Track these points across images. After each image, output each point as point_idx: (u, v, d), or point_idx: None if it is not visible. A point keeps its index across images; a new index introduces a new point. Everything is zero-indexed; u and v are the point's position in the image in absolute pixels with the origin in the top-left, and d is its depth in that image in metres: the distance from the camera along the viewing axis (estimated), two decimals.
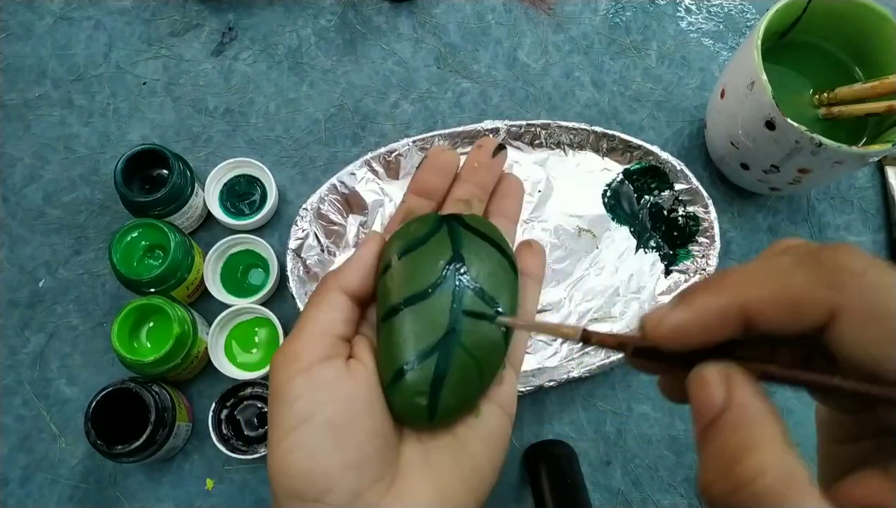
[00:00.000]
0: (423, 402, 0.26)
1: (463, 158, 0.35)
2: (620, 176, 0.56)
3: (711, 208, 0.54)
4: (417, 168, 0.33)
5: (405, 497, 0.26)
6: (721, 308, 0.19)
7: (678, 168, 0.55)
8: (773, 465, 0.17)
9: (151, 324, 0.49)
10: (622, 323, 0.53)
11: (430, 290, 0.27)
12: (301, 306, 0.50)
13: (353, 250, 0.29)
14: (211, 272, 0.52)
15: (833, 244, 0.19)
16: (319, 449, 0.25)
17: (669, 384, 0.23)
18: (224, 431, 0.49)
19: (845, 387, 0.18)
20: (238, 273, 0.53)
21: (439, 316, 0.27)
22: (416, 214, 0.32)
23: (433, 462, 0.27)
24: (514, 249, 0.32)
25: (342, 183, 0.54)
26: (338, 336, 0.28)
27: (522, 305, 0.31)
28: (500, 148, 0.34)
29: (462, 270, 0.28)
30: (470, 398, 0.28)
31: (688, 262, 0.54)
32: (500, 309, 0.28)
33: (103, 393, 0.45)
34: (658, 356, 0.21)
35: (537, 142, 0.56)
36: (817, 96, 0.51)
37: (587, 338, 0.23)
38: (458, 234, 0.29)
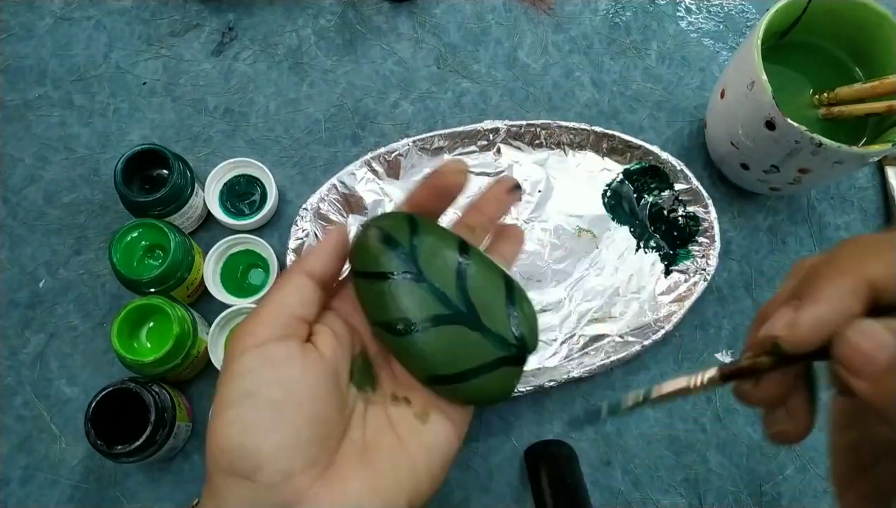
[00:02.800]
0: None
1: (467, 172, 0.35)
2: (620, 176, 0.56)
3: (711, 208, 0.54)
4: (419, 183, 0.33)
5: (335, 485, 0.26)
6: (851, 289, 0.19)
7: (678, 168, 0.55)
8: None
9: (151, 324, 0.49)
10: (622, 322, 0.53)
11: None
12: None
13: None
14: (211, 272, 0.52)
15: None
16: (257, 427, 0.25)
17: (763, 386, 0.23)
18: None
19: None
20: (238, 273, 0.53)
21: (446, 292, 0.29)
22: None
23: (371, 457, 0.27)
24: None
25: (342, 183, 0.54)
26: (296, 316, 0.28)
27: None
28: (517, 187, 0.35)
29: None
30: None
31: (688, 262, 0.54)
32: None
33: (103, 393, 0.45)
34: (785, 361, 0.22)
35: (537, 142, 0.56)
36: (817, 96, 0.51)
37: (727, 377, 0.23)
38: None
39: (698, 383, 0.24)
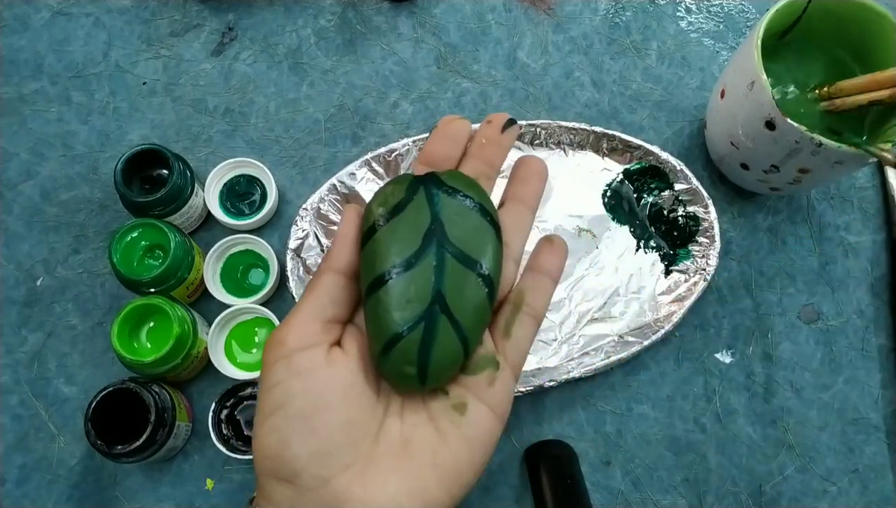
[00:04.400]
0: (412, 371, 0.27)
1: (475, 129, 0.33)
2: (620, 176, 0.56)
3: (711, 208, 0.54)
4: (429, 136, 0.32)
5: (375, 485, 0.26)
6: None
7: (678, 168, 0.55)
8: None
9: (151, 324, 0.49)
10: (622, 322, 0.53)
11: (411, 260, 0.27)
12: None
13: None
14: (211, 272, 0.52)
15: None
16: (291, 436, 0.26)
17: None
18: (224, 431, 0.48)
19: None
20: (238, 273, 0.53)
21: (423, 285, 0.27)
22: None
23: (411, 453, 0.27)
24: (539, 245, 0.31)
25: (342, 183, 0.54)
26: (326, 320, 0.28)
27: (533, 302, 0.30)
28: (511, 122, 0.31)
29: (442, 236, 0.28)
30: (457, 361, 0.28)
31: (688, 262, 0.54)
32: (483, 270, 0.28)
33: (103, 393, 0.44)
34: None
35: (537, 142, 0.56)
36: (818, 91, 0.51)
37: None
38: (435, 198, 0.28)
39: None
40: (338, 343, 0.28)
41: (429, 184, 0.29)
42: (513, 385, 0.30)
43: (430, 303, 0.27)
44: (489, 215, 0.29)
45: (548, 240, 0.31)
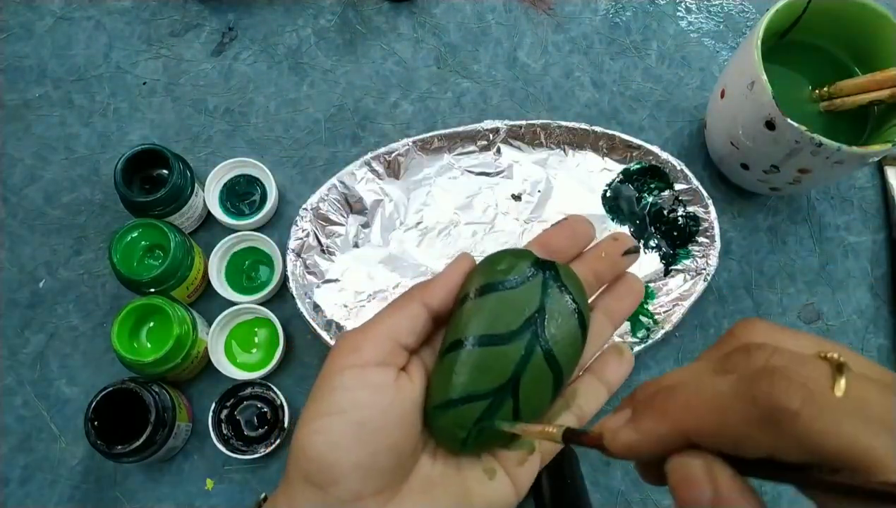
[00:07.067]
0: (463, 435, 0.28)
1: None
2: (620, 176, 0.56)
3: (711, 208, 0.54)
4: (552, 226, 0.33)
5: None
6: (664, 436, 0.20)
7: (678, 168, 0.55)
8: None
9: (151, 324, 0.49)
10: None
11: (506, 337, 0.28)
12: (301, 306, 0.50)
13: (426, 273, 0.28)
14: (216, 270, 0.52)
15: (772, 367, 0.18)
16: (340, 443, 0.26)
17: (645, 469, 0.23)
18: (224, 431, 0.49)
19: (825, 481, 0.17)
20: (243, 270, 0.53)
21: (506, 364, 0.28)
22: None
23: (434, 497, 0.28)
24: (603, 348, 0.33)
25: (342, 183, 0.54)
26: (401, 344, 0.28)
27: (584, 405, 0.31)
28: (633, 250, 0.33)
29: (542, 328, 0.29)
30: (504, 441, 0.29)
31: (688, 262, 0.54)
32: (560, 373, 0.29)
33: (103, 393, 0.45)
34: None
35: (537, 142, 0.56)
36: (818, 91, 0.51)
37: (568, 440, 0.24)
38: (549, 289, 0.29)
39: (550, 430, 0.25)
40: (403, 369, 0.29)
41: (548, 273, 0.29)
42: (536, 470, 0.31)
43: (505, 383, 0.28)
44: (584, 325, 0.30)
45: (618, 351, 0.32)
